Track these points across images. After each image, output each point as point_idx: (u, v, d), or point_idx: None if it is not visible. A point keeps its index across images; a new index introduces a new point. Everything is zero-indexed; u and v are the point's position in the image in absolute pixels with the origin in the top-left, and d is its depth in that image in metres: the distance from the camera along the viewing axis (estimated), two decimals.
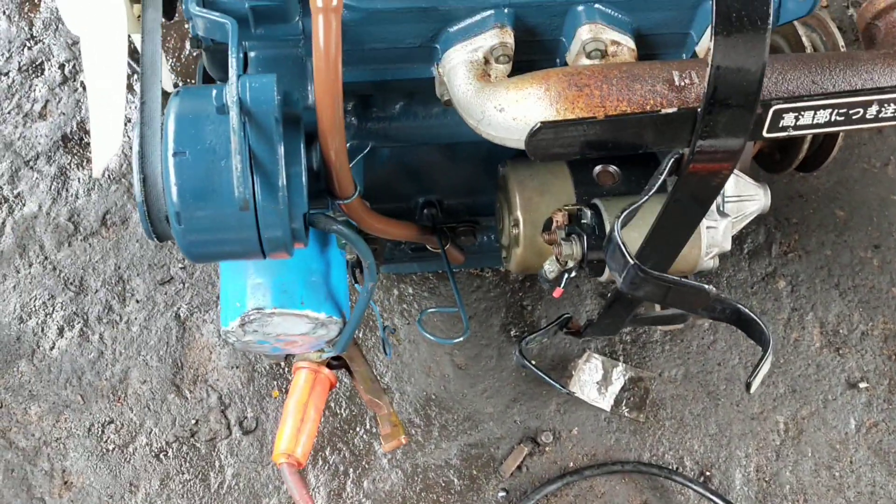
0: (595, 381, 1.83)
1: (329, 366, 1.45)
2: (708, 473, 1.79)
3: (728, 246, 1.30)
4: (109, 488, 1.72)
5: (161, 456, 1.76)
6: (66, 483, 1.73)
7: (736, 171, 1.40)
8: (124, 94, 1.11)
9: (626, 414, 1.82)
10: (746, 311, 1.25)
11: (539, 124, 0.96)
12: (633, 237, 1.09)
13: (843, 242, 2.03)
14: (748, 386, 1.24)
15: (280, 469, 1.36)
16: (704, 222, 1.25)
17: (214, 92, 0.95)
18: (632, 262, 1.01)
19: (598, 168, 1.34)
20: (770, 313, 1.94)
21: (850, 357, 1.91)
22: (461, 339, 1.60)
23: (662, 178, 1.00)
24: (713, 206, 1.27)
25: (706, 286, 1.05)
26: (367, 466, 1.77)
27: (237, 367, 1.81)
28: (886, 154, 2.14)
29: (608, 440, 1.81)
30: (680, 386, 1.86)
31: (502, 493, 1.75)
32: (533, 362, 1.61)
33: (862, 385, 1.87)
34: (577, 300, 1.90)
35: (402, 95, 1.29)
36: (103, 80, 1.09)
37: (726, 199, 1.37)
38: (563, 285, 1.26)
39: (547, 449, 1.79)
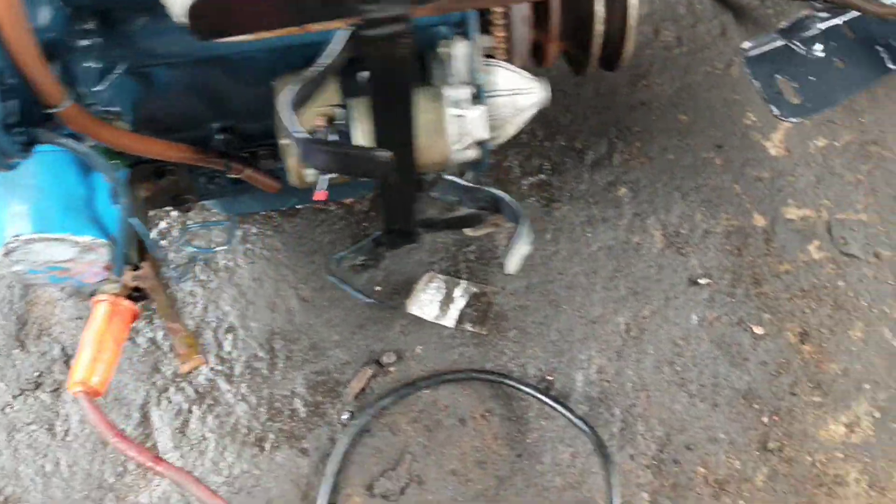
0: (437, 300, 1.86)
1: (130, 297, 1.47)
2: (550, 378, 1.81)
3: (484, 135, 1.31)
4: None
5: (6, 409, 1.78)
6: None
7: (509, 65, 1.42)
8: None
9: (469, 328, 1.84)
10: (494, 191, 1.27)
11: None
12: None
13: (686, 146, 2.05)
14: (504, 266, 1.26)
15: (77, 398, 1.38)
16: (451, 111, 1.27)
17: None
18: (298, 133, 1.03)
19: (363, 74, 1.35)
20: (612, 220, 1.96)
21: (693, 255, 1.93)
22: None
23: (332, 48, 1.02)
24: (462, 95, 1.28)
25: (382, 152, 1.05)
26: (211, 403, 1.79)
27: (80, 319, 1.83)
28: (729, 55, 2.16)
29: (452, 355, 1.83)
30: (522, 297, 1.88)
31: (346, 416, 1.77)
32: (341, 277, 1.63)
33: (703, 281, 1.90)
34: None
35: (143, 10, 1.30)
36: None
37: (498, 93, 1.39)
38: (323, 188, 1.28)
39: (391, 369, 1.82)
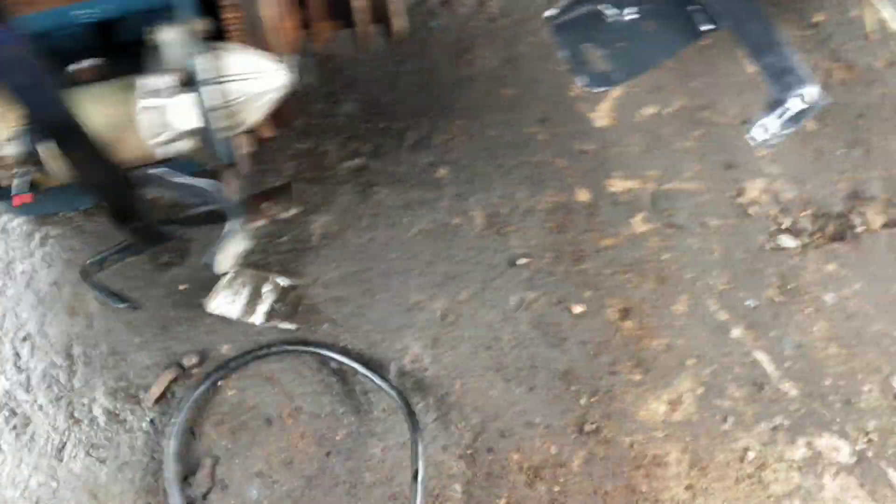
0: (243, 297, 1.78)
1: None
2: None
3: (193, 124, 1.23)
4: None
5: None
6: None
7: (244, 47, 1.34)
8: None
9: (279, 325, 1.77)
10: (204, 185, 1.19)
11: None
12: None
13: (510, 121, 1.98)
14: (212, 266, 1.18)
15: None
16: (143, 102, 1.18)
17: None
18: None
19: (73, 66, 1.27)
20: (431, 202, 1.89)
21: (513, 235, 1.86)
22: None
23: None
24: (162, 84, 1.20)
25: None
26: (8, 414, 1.71)
27: None
28: None
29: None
30: (336, 288, 1.81)
31: (147, 422, 1.69)
32: (96, 283, 1.55)
33: (522, 262, 1.83)
34: None
35: None
36: None
37: (228, 78, 1.31)
38: (22, 191, 1.20)
39: (194, 371, 1.74)
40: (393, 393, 1.65)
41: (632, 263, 1.83)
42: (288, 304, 1.79)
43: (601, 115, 1.96)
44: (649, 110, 1.97)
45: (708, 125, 1.95)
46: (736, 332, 1.76)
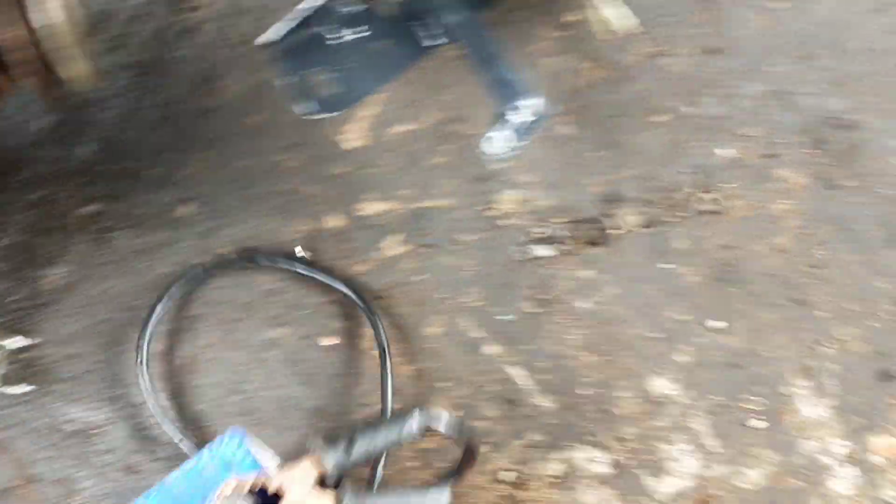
0: None
1: None
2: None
3: None
4: None
5: None
6: None
7: None
8: None
9: (8, 391, 1.66)
10: None
11: None
12: None
13: (258, 149, 1.91)
14: None
15: None
16: None
17: None
18: None
19: None
20: (173, 243, 1.81)
21: (263, 271, 1.78)
22: None
23: None
24: None
25: None
26: None
27: None
28: None
29: None
30: (72, 345, 1.71)
31: None
32: None
33: (273, 299, 1.75)
34: None
35: None
36: None
37: None
38: None
39: None
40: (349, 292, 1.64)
41: (385, 288, 1.78)
42: (20, 366, 1.68)
43: (352, 137, 1.90)
44: (401, 127, 1.92)
45: (460, 138, 1.91)
46: (490, 350, 1.72)
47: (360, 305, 1.69)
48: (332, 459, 1.21)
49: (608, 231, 1.82)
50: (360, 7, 1.67)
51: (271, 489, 1.17)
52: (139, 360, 1.62)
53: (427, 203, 1.85)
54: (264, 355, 1.71)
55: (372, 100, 1.90)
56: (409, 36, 1.73)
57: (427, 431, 1.32)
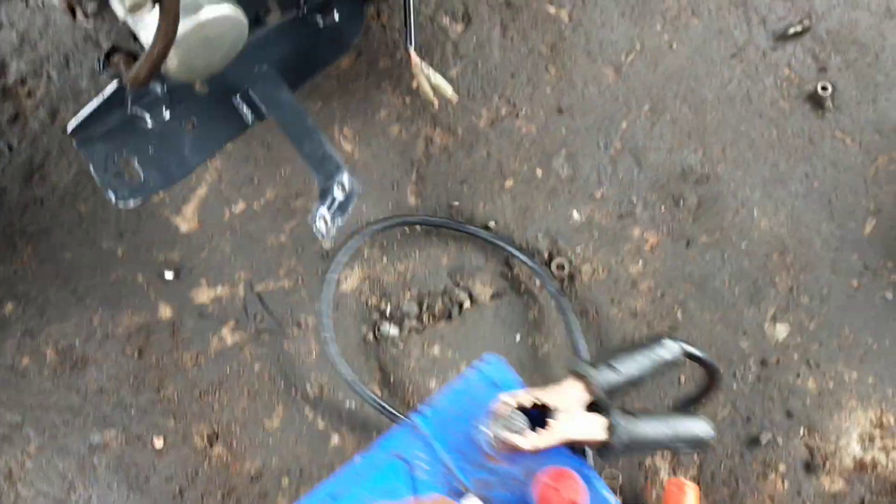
0: None
1: None
2: None
3: None
4: None
5: None
6: None
7: None
8: None
9: None
10: None
11: None
12: None
13: (85, 239, 1.79)
14: None
15: None
16: None
17: None
18: None
19: None
20: None
21: (91, 368, 1.69)
22: None
23: None
24: None
25: None
26: None
27: None
28: None
29: None
30: None
31: None
32: None
33: (101, 396, 1.63)
34: None
35: None
36: None
37: None
38: None
39: None
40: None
41: (221, 381, 1.67)
42: None
43: (187, 219, 1.80)
44: (239, 206, 1.82)
45: (302, 214, 1.81)
46: (337, 439, 1.61)
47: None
48: (602, 380, 1.16)
49: (461, 304, 1.73)
50: (173, 86, 1.58)
51: (547, 404, 1.13)
52: None
53: (267, 285, 1.76)
54: (93, 460, 1.58)
55: (207, 178, 1.80)
56: (230, 112, 1.64)
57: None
